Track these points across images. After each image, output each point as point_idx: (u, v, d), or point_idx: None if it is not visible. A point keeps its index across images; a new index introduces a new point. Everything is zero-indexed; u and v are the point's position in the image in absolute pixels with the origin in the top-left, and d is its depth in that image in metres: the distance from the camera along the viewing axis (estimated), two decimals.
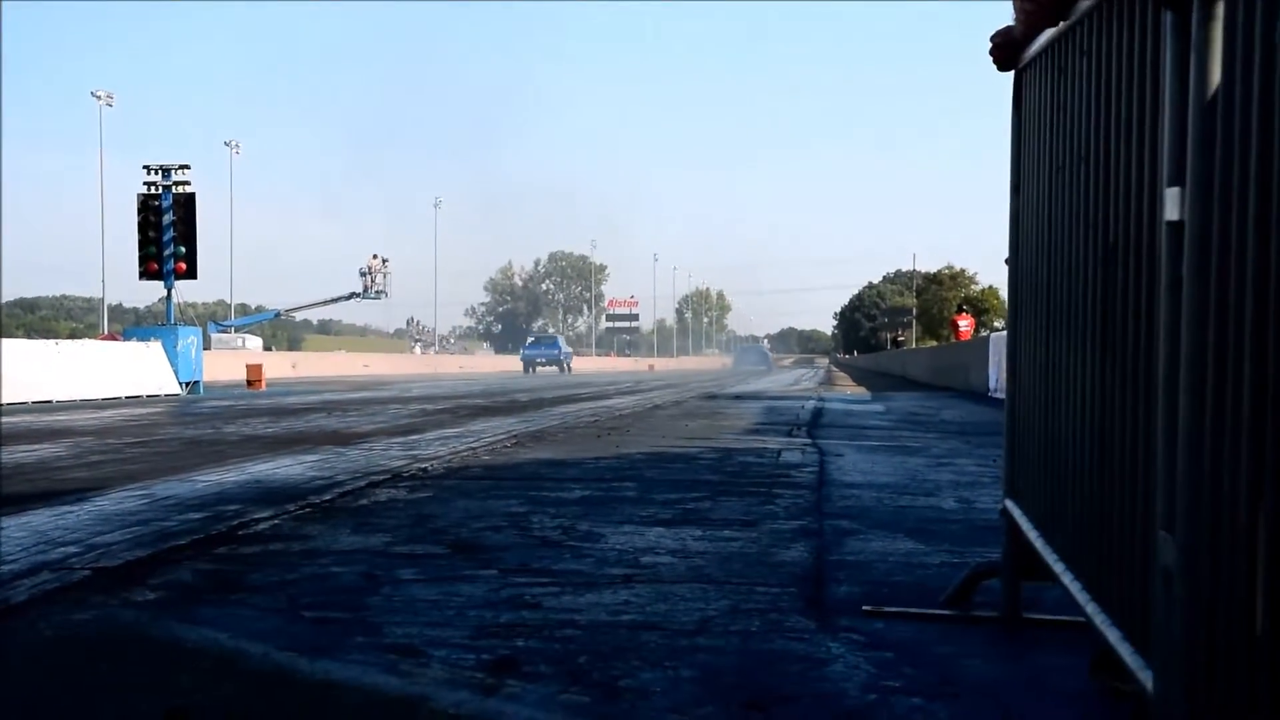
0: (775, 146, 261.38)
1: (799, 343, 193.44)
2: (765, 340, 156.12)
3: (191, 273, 22.77)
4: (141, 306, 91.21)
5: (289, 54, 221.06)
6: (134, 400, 18.87)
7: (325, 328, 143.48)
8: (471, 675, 2.63)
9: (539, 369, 57.31)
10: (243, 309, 74.29)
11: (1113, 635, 2.01)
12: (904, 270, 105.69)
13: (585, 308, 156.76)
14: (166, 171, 22.36)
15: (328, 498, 5.74)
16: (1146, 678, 1.78)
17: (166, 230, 22.23)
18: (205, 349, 26.19)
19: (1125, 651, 1.93)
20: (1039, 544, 2.72)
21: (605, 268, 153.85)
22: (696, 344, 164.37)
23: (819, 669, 2.70)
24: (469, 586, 3.60)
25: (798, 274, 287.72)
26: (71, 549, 4.22)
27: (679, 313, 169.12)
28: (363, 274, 52.40)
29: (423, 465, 7.42)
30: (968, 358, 24.53)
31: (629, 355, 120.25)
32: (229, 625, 3.10)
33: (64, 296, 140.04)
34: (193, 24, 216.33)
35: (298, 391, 24.11)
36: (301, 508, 5.36)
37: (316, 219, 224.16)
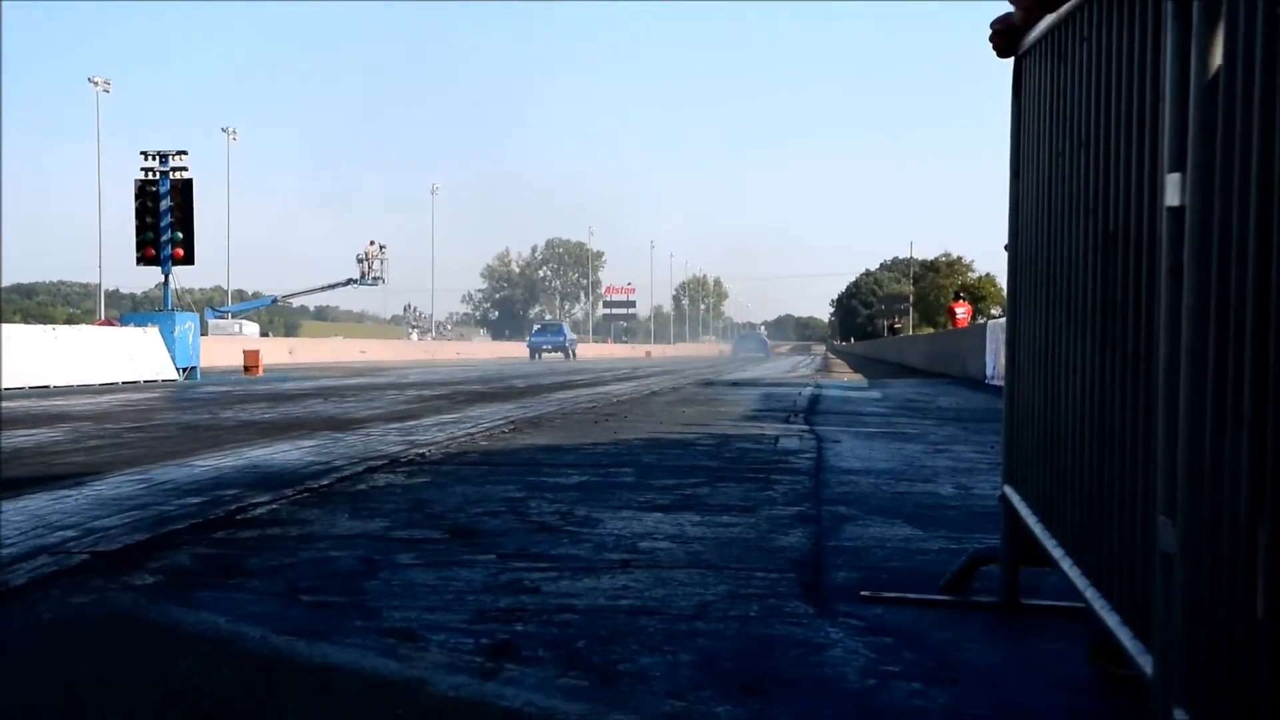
0: (772, 135, 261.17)
1: (796, 330, 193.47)
2: (762, 327, 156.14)
3: (189, 259, 22.73)
4: (139, 292, 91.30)
5: (288, 43, 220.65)
6: (131, 385, 18.85)
7: (322, 314, 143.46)
8: (470, 659, 2.64)
9: (545, 355, 58.02)
10: (240, 295, 74.23)
11: (1112, 620, 2.02)
12: (901, 258, 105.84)
13: (582, 294, 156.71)
14: (164, 157, 22.30)
15: (325, 483, 5.74)
16: (1146, 662, 1.79)
17: (164, 216, 22.17)
18: (203, 335, 26.17)
19: (1125, 637, 1.93)
20: (1038, 530, 2.73)
21: (602, 254, 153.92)
22: (693, 331, 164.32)
23: (818, 654, 2.71)
24: (467, 571, 3.61)
25: (795, 261, 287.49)
26: (70, 533, 4.22)
27: (676, 300, 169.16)
28: (360, 260, 52.41)
29: (420, 451, 7.42)
30: (965, 345, 24.50)
31: (626, 342, 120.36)
32: (227, 609, 3.10)
33: (61, 282, 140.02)
34: (191, 10, 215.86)
35: (295, 377, 24.10)
36: (299, 493, 5.36)
37: (314, 206, 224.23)
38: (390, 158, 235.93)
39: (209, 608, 3.12)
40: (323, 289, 57.30)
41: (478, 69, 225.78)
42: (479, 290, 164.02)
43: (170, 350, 21.33)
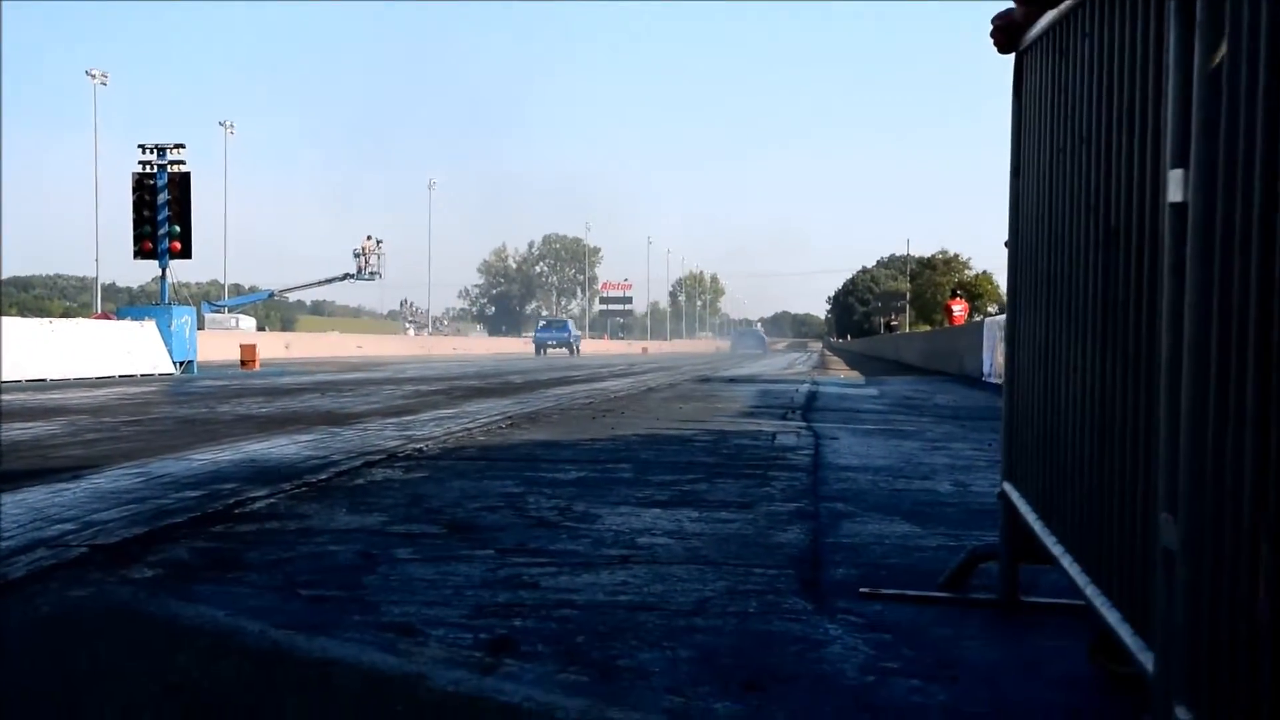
0: (772, 134, 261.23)
1: (792, 327, 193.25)
2: (759, 324, 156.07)
3: (186, 252, 22.74)
4: (135, 286, 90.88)
5: (288, 42, 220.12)
6: (128, 379, 18.84)
7: (319, 309, 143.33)
8: (469, 654, 2.63)
9: (549, 351, 58.72)
10: (236, 289, 74.18)
11: (1113, 618, 2.02)
12: (898, 255, 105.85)
13: (579, 290, 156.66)
14: (161, 151, 22.29)
15: (323, 477, 5.74)
16: (1147, 659, 1.78)
17: (161, 209, 22.17)
18: (200, 329, 26.15)
19: (1125, 634, 1.93)
20: (1037, 527, 2.73)
21: (599, 250, 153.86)
22: (690, 327, 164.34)
23: (817, 650, 2.71)
24: (466, 566, 3.60)
25: (792, 258, 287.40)
26: (68, 526, 4.21)
27: (673, 296, 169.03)
28: (356, 255, 52.21)
29: (418, 445, 7.42)
30: (962, 342, 24.51)
31: (622, 338, 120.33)
32: (226, 603, 3.10)
33: (58, 275, 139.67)
34: (192, 9, 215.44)
35: (291, 372, 24.09)
36: (297, 487, 5.35)
37: (312, 202, 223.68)
38: (389, 155, 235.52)
39: (207, 601, 3.12)
40: (319, 284, 57.02)
41: (478, 69, 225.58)
42: (476, 286, 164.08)
43: (167, 344, 21.33)
